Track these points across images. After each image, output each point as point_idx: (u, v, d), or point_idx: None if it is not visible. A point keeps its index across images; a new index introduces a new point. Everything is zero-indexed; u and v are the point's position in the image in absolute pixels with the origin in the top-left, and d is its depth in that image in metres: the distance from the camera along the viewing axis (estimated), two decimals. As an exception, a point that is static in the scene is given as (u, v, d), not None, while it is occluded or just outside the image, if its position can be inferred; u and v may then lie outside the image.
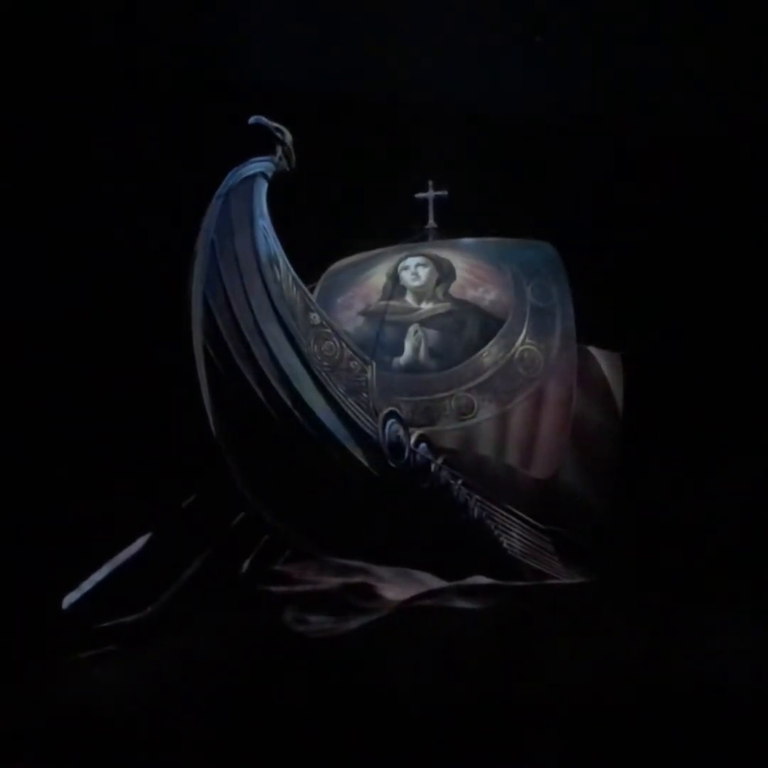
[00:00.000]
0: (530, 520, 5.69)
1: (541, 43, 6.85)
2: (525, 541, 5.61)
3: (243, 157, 4.77)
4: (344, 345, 4.95)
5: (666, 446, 6.34)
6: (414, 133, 6.98)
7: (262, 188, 4.78)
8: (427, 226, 6.95)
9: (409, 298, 6.38)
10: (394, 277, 6.47)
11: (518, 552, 5.51)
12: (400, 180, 7.03)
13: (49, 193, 6.32)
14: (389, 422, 4.87)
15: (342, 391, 4.76)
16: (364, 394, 4.89)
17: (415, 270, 6.45)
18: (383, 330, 6.19)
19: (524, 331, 6.24)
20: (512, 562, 5.42)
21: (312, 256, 5.89)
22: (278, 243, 4.80)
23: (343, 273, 6.72)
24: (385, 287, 6.45)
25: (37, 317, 6.15)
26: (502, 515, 5.50)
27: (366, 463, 4.75)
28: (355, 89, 6.98)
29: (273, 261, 4.72)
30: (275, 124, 4.90)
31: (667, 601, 3.41)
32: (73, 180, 6.38)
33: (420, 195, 7.01)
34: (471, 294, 6.39)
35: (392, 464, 4.82)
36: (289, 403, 4.56)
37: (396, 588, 3.91)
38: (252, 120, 4.85)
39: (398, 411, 5.04)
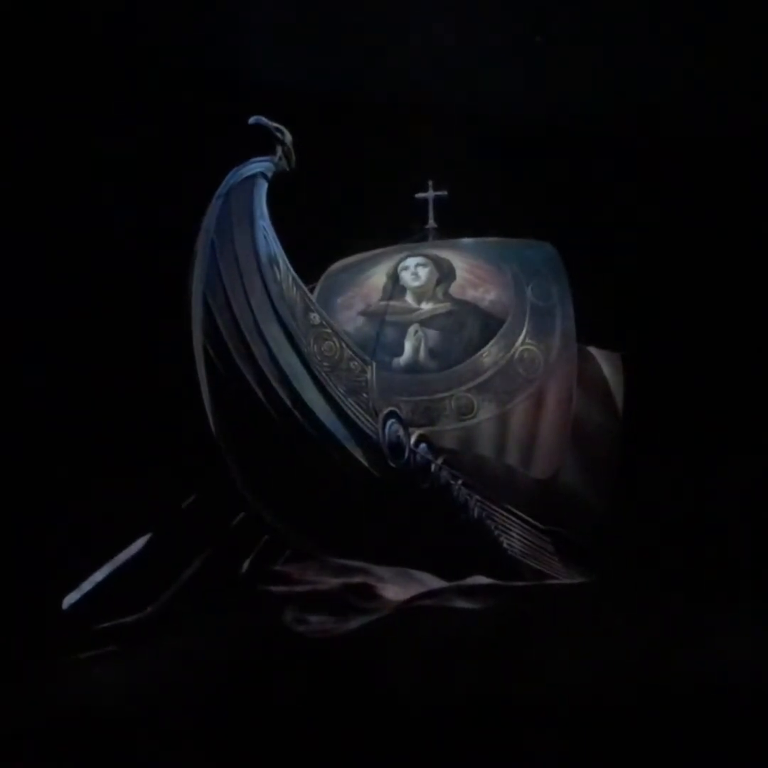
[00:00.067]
0: (530, 520, 5.69)
1: (541, 43, 6.85)
2: (525, 541, 5.61)
3: (243, 157, 4.77)
4: (344, 345, 4.95)
5: (666, 446, 6.34)
6: (414, 133, 6.98)
7: (262, 188, 4.79)
8: (427, 226, 6.95)
9: (409, 298, 6.39)
10: (394, 277, 6.48)
11: (518, 552, 5.51)
12: (400, 180, 7.03)
13: (49, 193, 6.31)
14: (389, 422, 4.87)
15: (342, 391, 4.76)
16: (364, 394, 4.89)
17: (415, 270, 6.45)
18: (383, 330, 6.19)
19: (524, 331, 6.24)
20: (512, 562, 5.42)
21: (312, 256, 5.89)
22: (278, 243, 4.80)
23: (343, 273, 6.72)
24: (385, 287, 6.46)
25: (38, 317, 6.15)
26: (502, 515, 5.50)
27: (366, 464, 4.75)
28: (355, 89, 6.97)
29: (273, 261, 4.72)
30: (275, 124, 4.90)
31: (667, 601, 3.41)
32: (73, 179, 6.37)
33: (420, 195, 7.01)
34: (471, 294, 6.39)
35: (392, 464, 4.82)
36: (289, 403, 4.56)
37: (396, 588, 3.91)
38: (252, 120, 4.85)
39: (398, 411, 5.04)
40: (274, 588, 3.87)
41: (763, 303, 6.60)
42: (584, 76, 6.80)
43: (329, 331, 4.92)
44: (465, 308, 6.31)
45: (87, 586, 4.47)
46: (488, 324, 6.25)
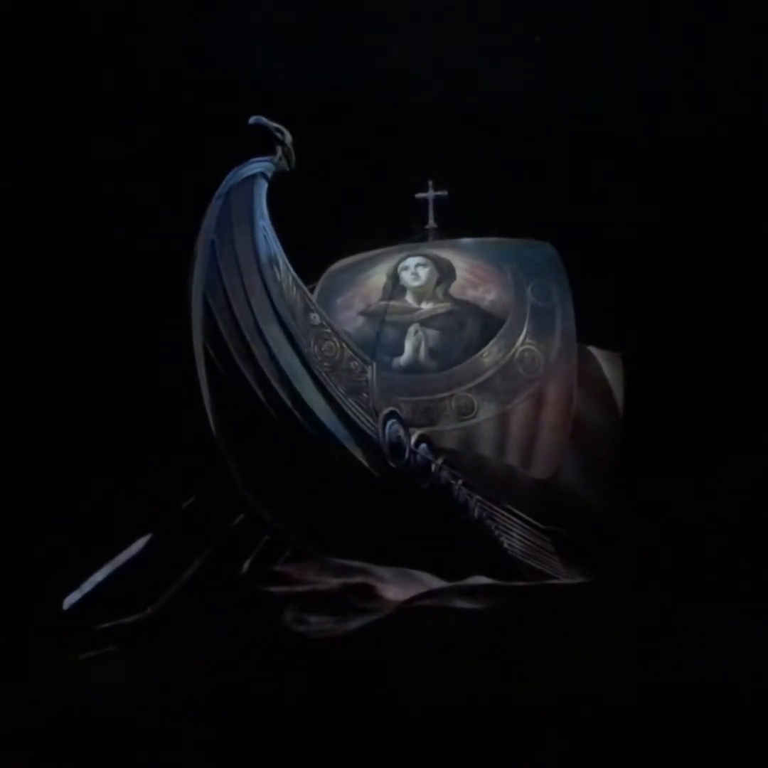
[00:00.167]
0: (530, 520, 5.69)
1: (541, 43, 6.84)
2: (525, 541, 5.61)
3: (243, 157, 4.77)
4: (344, 345, 4.95)
5: (666, 446, 6.34)
6: (414, 133, 6.98)
7: (262, 188, 4.79)
8: (427, 226, 6.95)
9: (409, 298, 6.38)
10: (394, 277, 6.48)
11: (518, 552, 5.52)
12: (400, 180, 7.03)
13: (49, 194, 6.32)
14: (389, 422, 4.87)
15: (342, 391, 4.76)
16: (365, 395, 4.89)
17: (415, 270, 6.45)
18: (383, 330, 6.19)
19: (524, 331, 6.24)
20: (512, 562, 5.42)
21: (312, 256, 5.89)
22: (278, 243, 4.80)
23: (343, 273, 6.72)
24: (385, 287, 6.45)
25: (38, 317, 6.15)
26: (503, 515, 5.51)
27: (366, 464, 4.75)
28: (355, 89, 6.97)
29: (273, 261, 4.72)
30: (275, 124, 4.90)
31: (667, 601, 3.41)
32: (73, 180, 6.38)
33: (420, 195, 7.02)
34: (471, 294, 6.39)
35: (392, 464, 4.82)
36: (289, 403, 4.56)
37: (396, 588, 3.90)
38: (252, 120, 4.85)
39: (398, 411, 5.04)
40: (274, 588, 3.87)
41: (763, 303, 6.60)
42: (584, 76, 6.80)
43: (329, 331, 4.92)
44: (465, 308, 6.31)
45: (87, 586, 4.47)
46: (488, 324, 6.25)
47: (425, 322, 6.24)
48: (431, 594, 3.76)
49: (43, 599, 4.59)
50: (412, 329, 6.20)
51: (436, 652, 3.27)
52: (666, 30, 6.65)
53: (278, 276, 4.72)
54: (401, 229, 6.83)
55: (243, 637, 3.58)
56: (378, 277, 6.54)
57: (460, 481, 5.20)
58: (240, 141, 4.85)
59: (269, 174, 4.83)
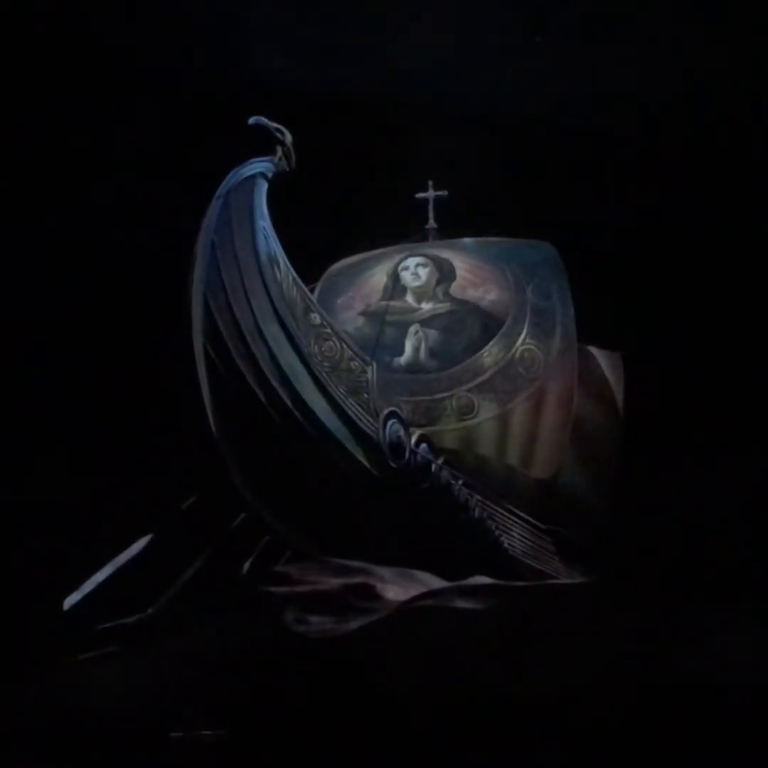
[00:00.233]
0: (531, 519, 5.70)
1: (541, 43, 6.84)
2: (525, 541, 5.61)
3: (243, 157, 4.77)
4: (344, 345, 4.95)
5: (666, 446, 6.34)
6: (414, 133, 6.98)
7: (262, 188, 4.79)
8: (427, 226, 6.95)
9: (410, 298, 6.39)
10: (395, 277, 6.48)
11: (519, 552, 5.52)
12: (400, 180, 7.03)
13: (49, 193, 6.31)
14: (390, 422, 4.88)
15: (342, 391, 4.76)
16: (365, 395, 4.89)
17: (415, 270, 6.45)
18: (384, 330, 6.19)
19: (524, 331, 6.25)
20: (513, 562, 5.42)
21: (312, 256, 5.89)
22: (278, 243, 4.80)
23: (344, 273, 6.73)
24: (385, 287, 6.46)
25: (38, 317, 6.15)
26: (503, 515, 5.51)
27: (366, 464, 4.75)
28: (355, 89, 6.97)
29: (273, 261, 4.73)
30: (275, 124, 4.90)
31: (666, 601, 3.41)
32: (74, 180, 6.38)
33: (420, 195, 7.02)
34: (471, 294, 6.39)
35: (393, 464, 4.82)
36: (289, 403, 4.56)
37: (396, 588, 3.91)
38: (252, 120, 4.85)
39: (399, 411, 5.04)
40: (274, 589, 3.87)
41: (763, 303, 6.60)
42: (584, 76, 6.79)
43: (329, 331, 4.92)
44: (465, 308, 6.31)
45: (88, 586, 4.47)
46: (488, 324, 6.25)
47: (425, 322, 6.25)
48: (432, 594, 3.77)
49: (43, 599, 4.59)
50: (412, 329, 6.20)
51: (436, 652, 3.27)
52: (666, 30, 6.65)
53: (278, 276, 4.73)
54: (401, 229, 6.83)
55: (243, 637, 3.58)
56: (378, 278, 6.54)
57: (460, 481, 5.20)
58: (240, 141, 4.85)
59: (269, 174, 4.83)
